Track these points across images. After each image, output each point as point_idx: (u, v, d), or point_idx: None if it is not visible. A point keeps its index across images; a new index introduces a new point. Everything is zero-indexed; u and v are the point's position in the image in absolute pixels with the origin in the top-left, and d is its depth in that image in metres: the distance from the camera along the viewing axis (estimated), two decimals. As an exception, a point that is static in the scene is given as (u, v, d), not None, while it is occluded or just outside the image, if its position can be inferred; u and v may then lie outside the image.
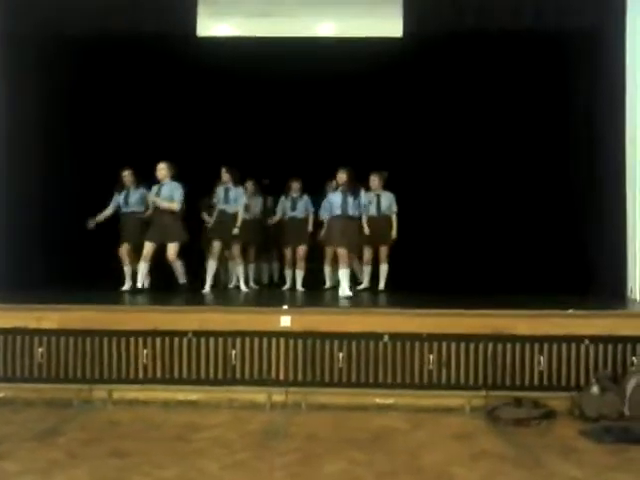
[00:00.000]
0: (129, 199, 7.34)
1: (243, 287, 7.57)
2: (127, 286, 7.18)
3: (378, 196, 7.54)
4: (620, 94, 6.59)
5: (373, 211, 7.43)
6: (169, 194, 6.97)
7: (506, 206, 8.34)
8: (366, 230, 7.13)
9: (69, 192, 7.98)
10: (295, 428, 4.81)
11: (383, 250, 7.55)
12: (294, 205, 7.82)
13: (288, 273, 7.92)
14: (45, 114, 7.62)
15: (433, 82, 8.89)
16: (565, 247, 7.63)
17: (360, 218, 7.15)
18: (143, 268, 6.96)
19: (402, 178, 8.06)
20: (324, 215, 7.42)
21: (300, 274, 7.68)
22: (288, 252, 7.86)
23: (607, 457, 4.22)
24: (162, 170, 7.04)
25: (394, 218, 7.57)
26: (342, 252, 6.93)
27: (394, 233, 7.54)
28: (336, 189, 7.21)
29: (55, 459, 4.09)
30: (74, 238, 7.68)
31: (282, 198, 7.94)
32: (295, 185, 7.84)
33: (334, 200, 7.08)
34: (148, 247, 6.92)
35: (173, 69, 8.82)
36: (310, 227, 7.72)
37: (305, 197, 7.86)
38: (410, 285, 8.01)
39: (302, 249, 7.67)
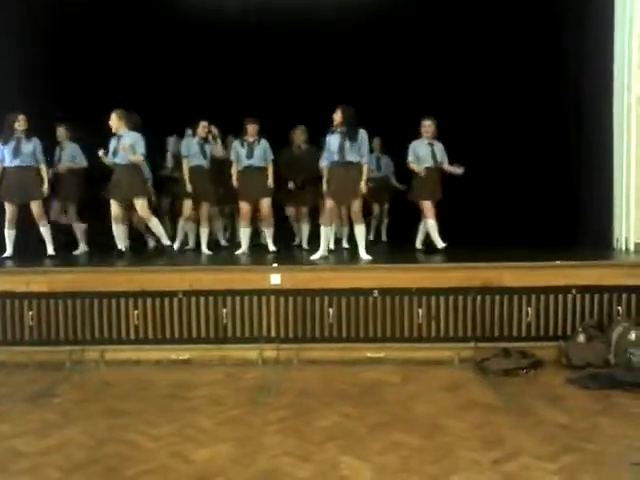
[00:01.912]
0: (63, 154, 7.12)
1: (206, 250, 7.03)
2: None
3: (431, 145, 6.79)
4: (609, 45, 6.53)
5: (428, 162, 6.75)
6: (130, 146, 6.38)
7: (494, 159, 8.29)
8: (363, 188, 6.10)
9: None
10: (287, 384, 4.87)
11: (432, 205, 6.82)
12: (251, 152, 6.88)
13: (244, 232, 6.99)
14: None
15: (422, 31, 8.72)
16: (552, 199, 7.65)
17: (359, 164, 6.12)
18: (120, 231, 6.58)
19: (392, 126, 7.93)
20: (322, 163, 6.65)
21: (269, 233, 6.97)
22: (245, 207, 6.92)
23: (592, 403, 4.33)
24: (114, 121, 6.41)
25: (446, 167, 6.87)
26: (356, 206, 6.15)
27: (452, 168, 6.84)
28: (334, 131, 6.19)
29: (50, 420, 4.13)
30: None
31: (236, 144, 6.94)
32: (251, 128, 6.85)
33: (332, 143, 6.14)
34: (115, 206, 6.49)
35: (152, 26, 8.57)
36: (270, 178, 6.87)
37: (263, 142, 6.87)
38: (399, 240, 8.05)
39: (265, 202, 6.88)
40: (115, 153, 6.43)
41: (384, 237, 8.69)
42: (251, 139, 6.84)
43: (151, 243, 7.31)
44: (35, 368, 5.33)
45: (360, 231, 6.19)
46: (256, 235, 7.53)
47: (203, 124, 7.07)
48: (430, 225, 6.74)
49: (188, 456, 3.56)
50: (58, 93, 7.83)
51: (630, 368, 4.85)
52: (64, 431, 3.94)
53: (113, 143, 6.46)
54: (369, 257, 6.07)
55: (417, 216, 6.98)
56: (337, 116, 6.09)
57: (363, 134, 6.12)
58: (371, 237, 8.34)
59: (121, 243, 6.59)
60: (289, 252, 7.26)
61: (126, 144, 6.34)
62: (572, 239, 6.91)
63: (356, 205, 6.17)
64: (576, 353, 5.11)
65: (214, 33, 8.60)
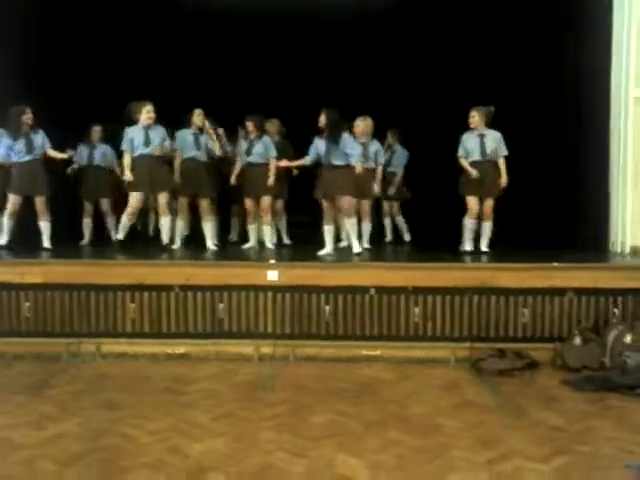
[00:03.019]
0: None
1: (211, 245, 6.88)
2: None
3: (482, 136, 6.47)
4: (606, 48, 6.55)
5: (476, 155, 6.46)
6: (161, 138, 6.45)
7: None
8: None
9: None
10: (283, 380, 4.88)
11: (489, 203, 6.53)
12: (250, 148, 6.86)
13: (251, 228, 7.08)
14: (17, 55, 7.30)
15: (420, 29, 8.73)
16: (549, 201, 7.67)
17: (348, 166, 6.20)
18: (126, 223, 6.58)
19: (386, 126, 7.94)
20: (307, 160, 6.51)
21: (268, 230, 6.96)
22: (249, 203, 6.99)
23: (587, 405, 4.34)
24: (153, 112, 6.41)
25: (502, 162, 6.48)
26: (347, 201, 6.26)
27: (503, 181, 6.46)
28: (320, 134, 6.33)
29: (46, 412, 4.13)
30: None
31: (241, 139, 7.01)
32: (249, 124, 6.82)
33: (319, 147, 6.30)
34: (138, 199, 6.48)
35: (152, 17, 8.54)
36: (272, 175, 6.79)
37: (264, 138, 6.87)
38: (395, 239, 8.09)
39: (266, 200, 6.88)
40: (147, 144, 6.37)
41: (406, 237, 8.15)
42: (252, 135, 6.81)
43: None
44: (31, 360, 5.32)
45: (351, 225, 6.37)
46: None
47: (198, 112, 6.84)
48: (465, 224, 6.54)
49: (183, 450, 3.56)
50: (57, 89, 7.79)
51: (625, 371, 4.86)
52: (60, 423, 3.94)
53: (139, 135, 6.38)
54: (360, 249, 6.30)
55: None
56: (322, 119, 6.21)
57: (346, 136, 6.26)
58: (389, 237, 8.06)
59: (122, 233, 6.59)
60: (288, 248, 7.28)
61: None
62: (568, 241, 6.93)
63: (345, 201, 6.26)
64: (572, 355, 5.13)
65: (218, 26, 8.56)
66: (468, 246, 6.52)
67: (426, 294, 5.45)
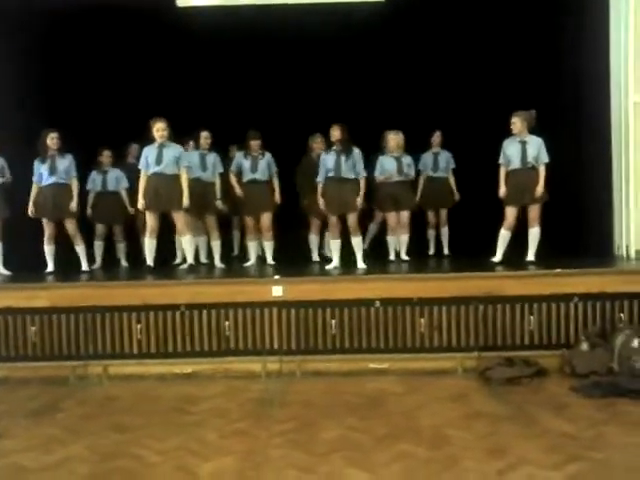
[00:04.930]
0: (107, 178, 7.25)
1: (219, 263, 6.86)
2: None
3: (523, 143, 6.19)
4: (606, 51, 6.58)
5: (516, 163, 6.22)
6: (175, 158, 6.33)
7: (493, 166, 8.26)
8: (359, 202, 6.27)
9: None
10: (291, 396, 4.87)
11: (533, 210, 6.21)
12: (255, 165, 6.88)
13: (251, 245, 7.03)
14: (24, 88, 7.40)
15: (411, 43, 8.74)
16: (552, 207, 7.64)
17: (357, 180, 6.31)
18: (150, 244, 6.38)
19: (375, 137, 7.86)
20: (318, 179, 6.50)
21: (269, 246, 6.90)
22: (250, 221, 6.96)
23: (597, 411, 4.32)
24: (165, 129, 6.32)
25: (542, 169, 6.16)
26: (352, 218, 6.31)
27: (540, 189, 6.12)
28: (328, 148, 6.52)
29: (54, 435, 4.12)
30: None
31: (239, 156, 6.97)
32: (254, 144, 6.83)
33: (327, 161, 6.36)
34: (153, 218, 6.32)
35: (154, 40, 8.61)
36: (277, 191, 6.85)
37: (267, 156, 6.91)
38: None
39: (266, 217, 6.83)
40: (159, 162, 6.28)
41: (446, 250, 7.70)
42: (255, 153, 6.86)
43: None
44: (38, 383, 5.31)
45: (357, 242, 6.37)
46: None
47: (204, 135, 7.01)
48: (501, 235, 6.32)
49: (193, 470, 3.55)
50: (59, 108, 7.84)
51: (634, 375, 4.84)
52: (68, 446, 3.93)
53: (153, 153, 6.30)
54: (364, 266, 6.25)
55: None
56: (336, 133, 6.36)
57: (357, 151, 6.38)
58: (431, 251, 7.66)
59: (150, 258, 6.42)
60: (290, 264, 7.25)
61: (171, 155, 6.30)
62: (573, 247, 6.91)
63: (352, 218, 6.34)
64: (579, 361, 5.10)
65: (221, 46, 8.61)
66: (498, 257, 6.30)
67: (431, 304, 5.44)
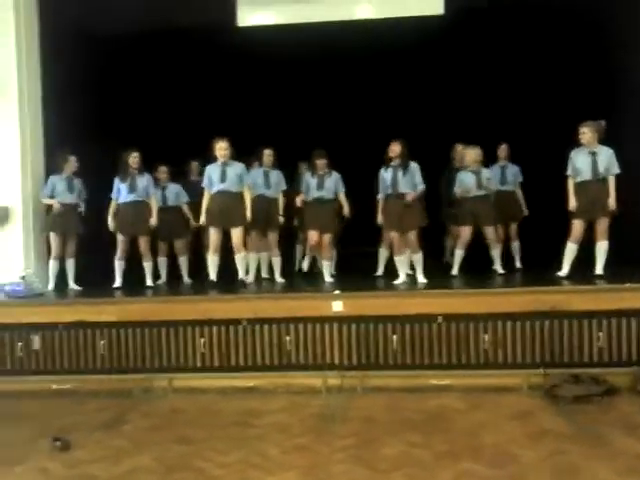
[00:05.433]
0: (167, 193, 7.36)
1: (279, 278, 7.00)
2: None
3: (593, 154, 5.99)
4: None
5: (587, 174, 6.01)
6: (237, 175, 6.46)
7: (560, 179, 8.01)
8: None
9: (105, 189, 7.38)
10: (352, 411, 4.85)
11: (602, 222, 6.01)
12: (321, 183, 6.80)
13: (326, 265, 6.85)
14: (83, 113, 7.58)
15: (475, 56, 8.68)
16: (621, 218, 7.38)
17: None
18: (213, 260, 6.48)
19: (442, 150, 7.82)
20: (378, 196, 6.57)
21: (327, 265, 6.80)
22: (315, 236, 6.79)
23: (672, 432, 4.14)
24: (227, 149, 6.44)
25: (612, 181, 5.96)
26: (412, 236, 6.36)
27: (612, 201, 5.92)
28: (388, 165, 6.48)
29: (122, 447, 4.23)
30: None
31: (307, 175, 6.96)
32: (320, 163, 6.80)
33: (385, 177, 6.42)
34: (216, 236, 6.48)
35: (215, 60, 8.84)
36: (346, 208, 6.78)
37: (334, 174, 6.85)
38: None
39: (327, 237, 6.73)
40: (223, 180, 6.42)
41: (518, 263, 7.43)
42: (321, 172, 6.83)
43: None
44: (106, 396, 5.47)
45: (417, 259, 6.39)
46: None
47: (267, 152, 7.09)
48: (567, 248, 6.12)
49: (256, 484, 3.58)
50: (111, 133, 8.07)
51: None
52: (135, 457, 4.04)
53: (216, 171, 6.44)
54: (425, 280, 6.25)
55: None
56: (396, 148, 6.37)
57: (414, 165, 6.41)
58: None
59: (213, 273, 6.50)
60: (350, 279, 7.23)
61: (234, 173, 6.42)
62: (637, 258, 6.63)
63: (412, 235, 6.36)
64: (652, 379, 4.91)
65: (282, 64, 8.74)
66: (565, 271, 6.08)
67: (495, 320, 5.34)
